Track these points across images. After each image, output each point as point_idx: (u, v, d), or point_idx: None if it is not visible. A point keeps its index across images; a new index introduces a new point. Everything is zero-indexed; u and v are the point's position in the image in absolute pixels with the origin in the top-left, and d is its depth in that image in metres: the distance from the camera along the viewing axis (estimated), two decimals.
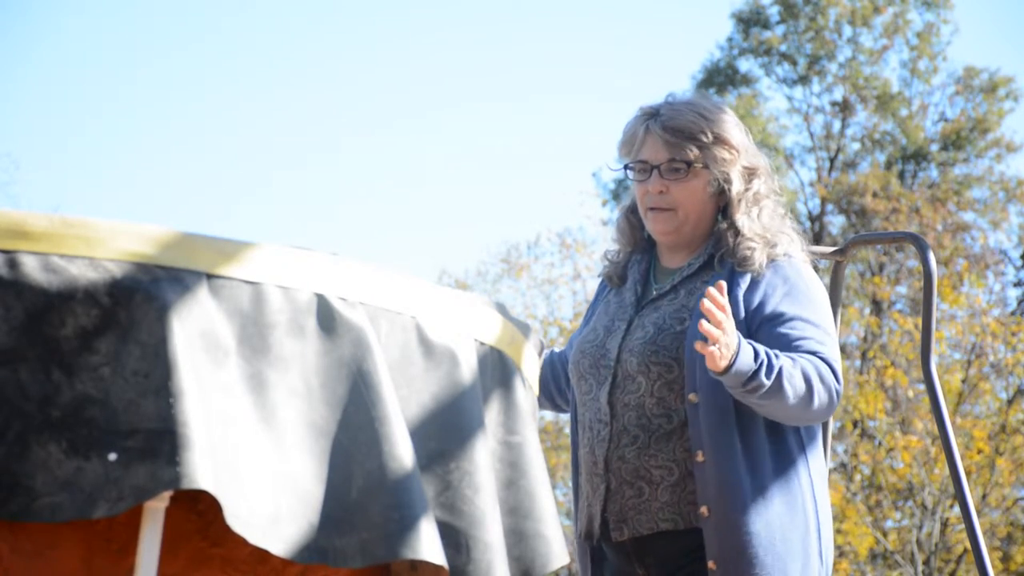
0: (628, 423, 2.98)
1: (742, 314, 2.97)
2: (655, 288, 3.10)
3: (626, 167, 3.09)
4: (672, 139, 3.01)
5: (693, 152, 3.01)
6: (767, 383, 2.79)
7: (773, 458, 2.94)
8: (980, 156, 22.18)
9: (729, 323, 2.74)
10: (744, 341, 2.80)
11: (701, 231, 3.08)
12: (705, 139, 3.02)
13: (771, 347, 2.91)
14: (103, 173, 32.45)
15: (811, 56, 22.41)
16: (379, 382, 2.11)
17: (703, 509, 2.91)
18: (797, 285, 3.00)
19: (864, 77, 22.22)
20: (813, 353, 2.92)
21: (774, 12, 22.74)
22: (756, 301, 2.97)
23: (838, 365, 2.95)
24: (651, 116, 3.06)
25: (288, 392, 2.06)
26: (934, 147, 22.18)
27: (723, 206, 3.07)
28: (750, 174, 3.07)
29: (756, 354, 2.80)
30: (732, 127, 3.06)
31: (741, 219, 3.03)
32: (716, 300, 2.72)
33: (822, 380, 2.88)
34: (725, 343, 2.73)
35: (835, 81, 22.47)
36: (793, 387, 2.83)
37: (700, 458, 2.91)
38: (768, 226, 3.05)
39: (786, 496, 2.92)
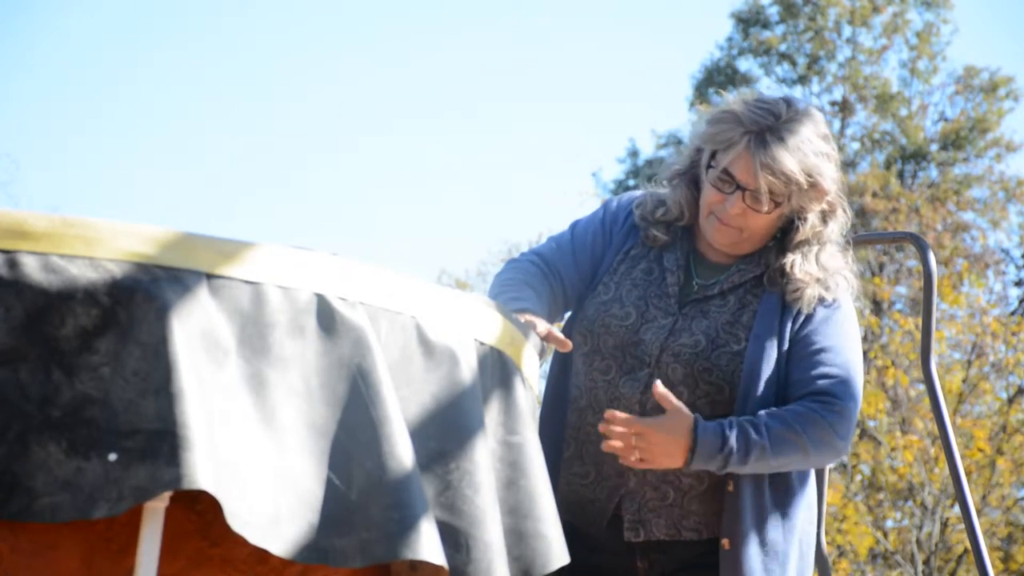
0: None
1: (787, 344, 2.90)
2: (697, 282, 2.98)
3: (709, 162, 2.91)
4: (768, 176, 2.84)
5: (784, 194, 2.87)
6: (746, 463, 2.79)
7: (782, 488, 2.91)
8: (980, 156, 22.19)
9: (655, 424, 2.76)
10: (704, 427, 2.78)
11: (757, 248, 2.98)
12: (802, 184, 2.87)
13: (797, 370, 2.87)
14: (103, 173, 32.46)
15: (810, 56, 22.42)
16: (379, 382, 2.11)
17: (724, 541, 2.84)
18: (834, 318, 2.92)
19: (864, 77, 22.23)
20: (818, 400, 2.84)
21: (774, 12, 22.76)
22: (796, 329, 2.91)
23: (850, 398, 2.87)
24: (757, 134, 2.85)
25: (288, 392, 2.06)
26: (934, 147, 22.18)
27: (784, 226, 2.96)
28: (828, 213, 2.95)
29: (725, 441, 2.77)
30: (829, 167, 2.91)
31: (794, 258, 2.92)
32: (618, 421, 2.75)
33: (816, 441, 2.82)
34: (643, 446, 2.76)
35: (834, 81, 22.49)
36: (784, 454, 2.81)
37: (731, 488, 2.85)
38: (826, 265, 2.94)
39: (789, 525, 2.91)
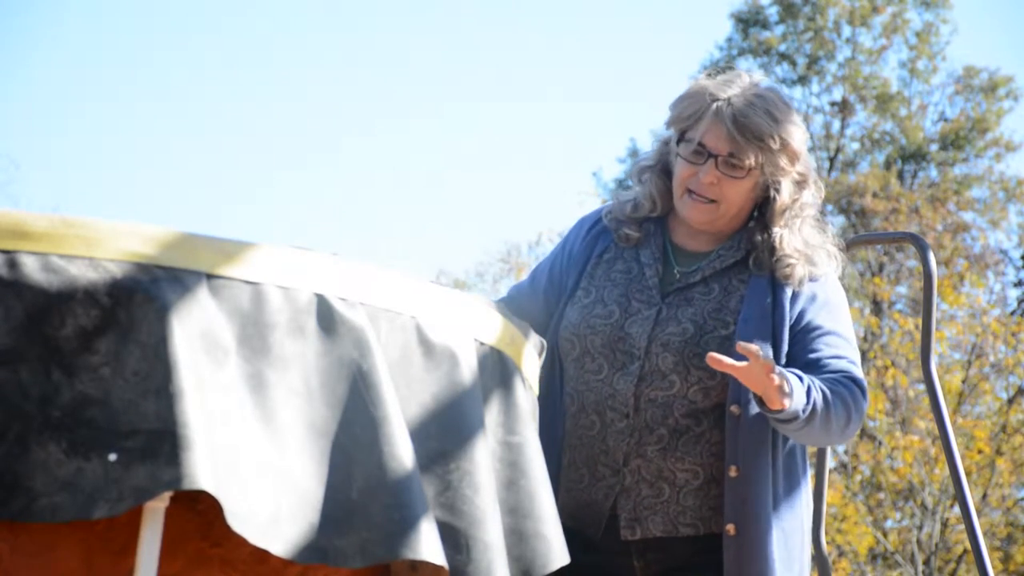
0: (652, 420, 2.88)
1: (787, 322, 2.91)
2: (678, 270, 2.99)
3: (679, 140, 2.95)
4: (739, 137, 2.88)
5: (756, 156, 2.90)
6: (816, 418, 2.78)
7: (788, 475, 2.92)
8: (979, 156, 22.21)
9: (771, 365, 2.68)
10: (794, 377, 2.75)
11: (734, 224, 2.99)
12: (772, 144, 2.89)
13: (806, 358, 2.89)
14: (103, 173, 32.48)
15: (810, 56, 22.43)
16: (379, 382, 2.11)
17: (729, 527, 2.84)
18: (831, 300, 2.96)
19: (863, 77, 22.23)
20: (848, 375, 2.87)
21: (773, 12, 22.76)
22: (796, 312, 2.93)
23: (862, 378, 2.91)
24: (725, 100, 2.89)
25: (288, 392, 2.06)
26: (933, 147, 22.19)
27: (760, 203, 2.98)
28: (801, 183, 2.97)
29: (809, 391, 2.76)
30: (797, 131, 2.94)
31: (780, 232, 2.94)
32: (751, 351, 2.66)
33: (856, 409, 2.85)
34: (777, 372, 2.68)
35: (834, 81, 22.49)
36: (836, 419, 2.82)
37: (734, 473, 2.84)
38: (809, 240, 2.96)
39: (795, 513, 2.92)
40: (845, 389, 2.85)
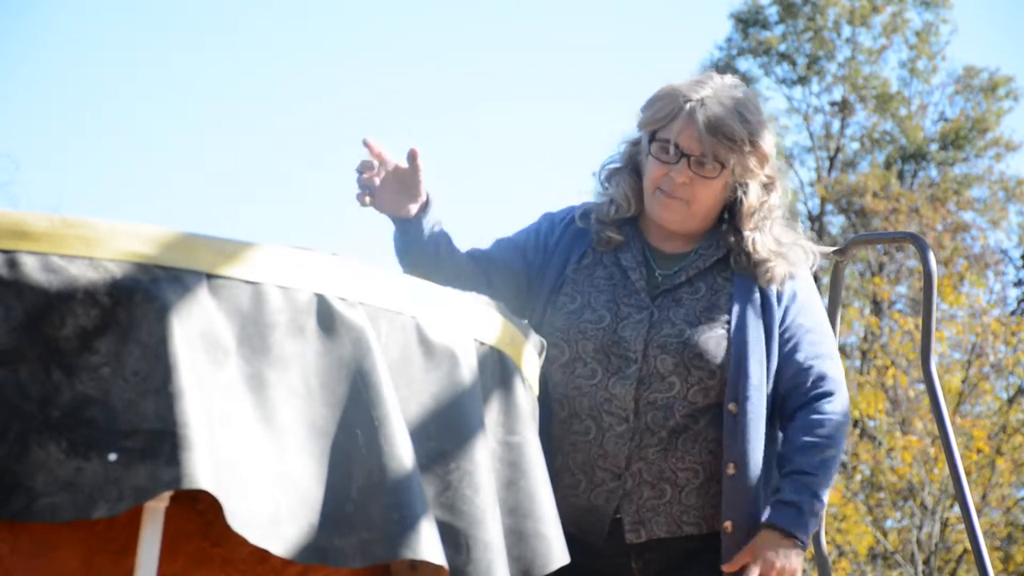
0: (653, 423, 2.88)
1: (777, 322, 2.95)
2: (660, 273, 3.00)
3: (651, 140, 2.97)
4: (711, 138, 2.90)
5: (728, 157, 2.92)
6: (823, 495, 2.91)
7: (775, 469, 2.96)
8: (979, 155, 22.22)
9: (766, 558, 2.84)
10: (791, 515, 2.86)
11: (705, 225, 3.01)
12: (744, 147, 2.92)
13: (792, 366, 2.95)
14: (103, 173, 32.48)
15: (810, 56, 22.43)
16: (379, 382, 2.11)
17: (727, 524, 2.86)
18: (810, 297, 3.02)
19: (863, 77, 22.24)
20: (822, 392, 2.95)
21: (773, 12, 22.76)
22: (782, 312, 2.96)
23: (842, 376, 2.98)
24: (698, 101, 2.92)
25: (288, 392, 2.06)
26: (933, 147, 22.20)
27: (729, 204, 3.00)
28: (769, 185, 3.00)
29: (802, 513, 2.86)
30: (768, 133, 2.98)
31: (751, 235, 2.97)
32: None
33: (839, 430, 2.94)
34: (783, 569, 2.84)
35: (834, 81, 22.49)
36: (833, 470, 2.95)
37: (732, 471, 2.86)
38: (780, 239, 2.99)
39: None
40: (824, 431, 2.93)
